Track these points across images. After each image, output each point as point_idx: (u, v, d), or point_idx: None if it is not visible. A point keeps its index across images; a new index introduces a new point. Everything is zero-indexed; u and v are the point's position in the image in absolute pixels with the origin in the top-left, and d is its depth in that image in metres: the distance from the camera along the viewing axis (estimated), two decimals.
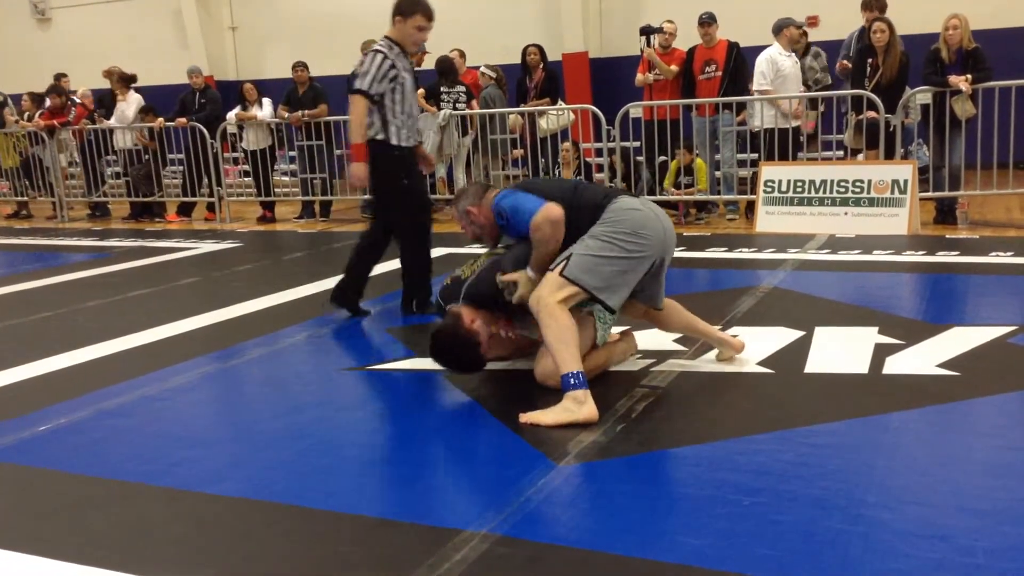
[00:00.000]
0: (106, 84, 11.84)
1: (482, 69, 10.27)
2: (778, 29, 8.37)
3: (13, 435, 3.57)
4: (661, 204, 8.72)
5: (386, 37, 5.16)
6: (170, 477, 3.07)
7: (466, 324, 3.67)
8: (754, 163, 8.41)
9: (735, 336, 4.20)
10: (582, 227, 3.61)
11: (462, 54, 10.43)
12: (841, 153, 8.70)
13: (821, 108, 8.88)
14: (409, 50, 5.17)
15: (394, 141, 5.09)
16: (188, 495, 2.93)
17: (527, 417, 3.37)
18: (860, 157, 8.20)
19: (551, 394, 3.68)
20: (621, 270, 3.56)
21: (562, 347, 3.39)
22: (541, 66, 9.72)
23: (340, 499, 2.83)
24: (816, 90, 8.93)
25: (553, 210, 3.55)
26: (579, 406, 3.33)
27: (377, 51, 5.06)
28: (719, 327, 4.60)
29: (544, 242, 3.58)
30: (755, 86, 8.34)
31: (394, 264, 7.08)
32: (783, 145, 8.17)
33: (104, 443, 3.45)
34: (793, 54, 8.47)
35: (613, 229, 3.57)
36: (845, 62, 8.70)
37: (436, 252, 5.71)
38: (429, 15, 5.16)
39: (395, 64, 5.03)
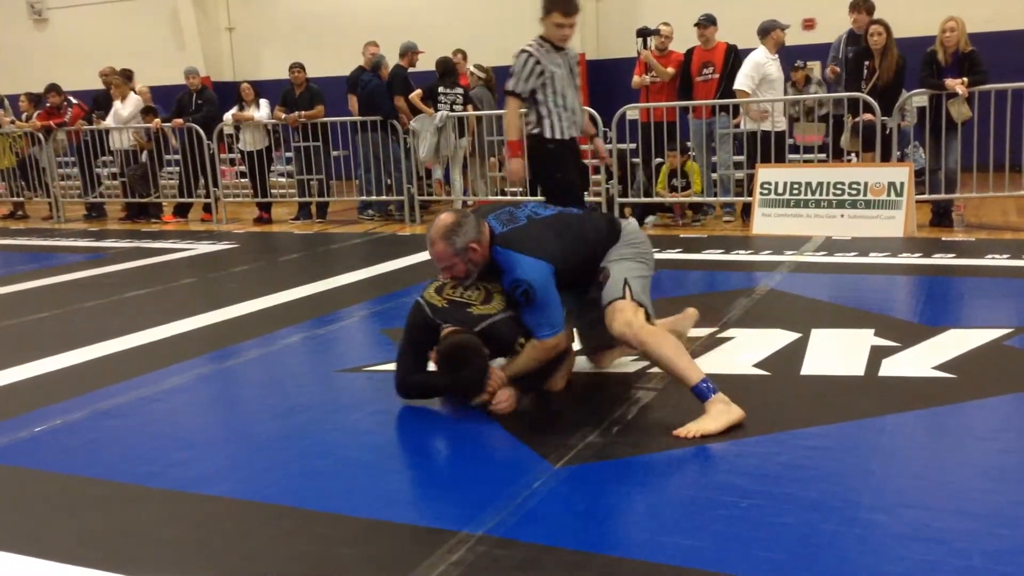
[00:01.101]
0: (102, 85, 11.84)
1: (471, 69, 10.27)
2: (764, 32, 8.34)
3: (8, 436, 3.56)
4: (656, 207, 8.88)
5: (539, 35, 5.30)
6: (166, 478, 3.06)
7: (484, 351, 3.52)
8: (750, 165, 8.41)
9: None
10: (605, 251, 3.66)
11: (461, 52, 10.42)
12: (824, 156, 8.69)
13: (821, 111, 8.88)
14: (557, 45, 5.24)
15: (547, 135, 5.25)
16: (184, 496, 2.92)
17: (692, 431, 3.21)
18: (855, 159, 8.21)
19: (547, 397, 3.68)
20: (649, 286, 3.70)
21: (682, 359, 3.38)
22: None
23: (336, 500, 2.82)
24: (821, 114, 8.94)
25: (561, 342, 3.59)
26: (728, 406, 3.29)
27: (523, 51, 5.25)
28: (715, 329, 4.62)
29: (537, 361, 3.57)
30: (736, 86, 8.29)
31: (392, 265, 7.11)
32: (766, 148, 8.16)
33: (100, 444, 3.44)
34: (778, 58, 8.46)
35: (639, 251, 3.70)
36: (835, 67, 8.71)
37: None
38: (566, 11, 5.20)
39: (540, 60, 5.17)
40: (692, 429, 3.21)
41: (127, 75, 11.49)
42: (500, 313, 3.54)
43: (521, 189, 7.78)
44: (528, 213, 3.67)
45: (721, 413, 3.27)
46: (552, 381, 3.72)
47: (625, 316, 3.44)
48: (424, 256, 6.96)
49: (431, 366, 3.71)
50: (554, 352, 3.57)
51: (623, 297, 3.49)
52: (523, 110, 5.32)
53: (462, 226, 3.47)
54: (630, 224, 3.86)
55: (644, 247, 3.75)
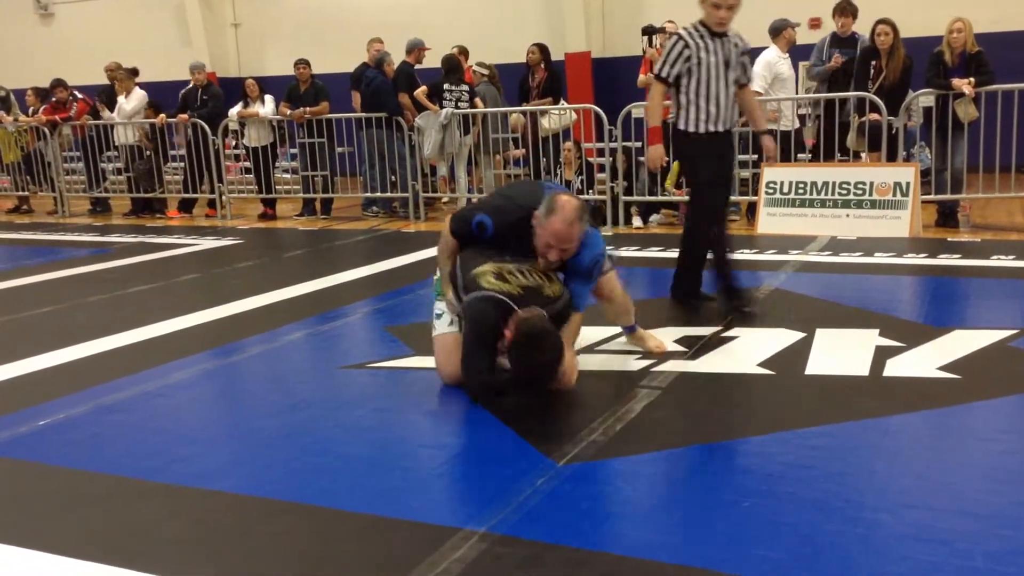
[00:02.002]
0: (107, 80, 11.85)
1: (474, 67, 10.26)
2: (776, 31, 8.33)
3: (11, 430, 3.57)
4: (662, 204, 8.86)
5: (699, 19, 4.97)
6: (169, 473, 3.06)
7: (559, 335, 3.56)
8: (756, 164, 8.40)
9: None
10: None
11: (463, 51, 10.42)
12: (809, 156, 8.66)
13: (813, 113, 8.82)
14: (714, 30, 4.89)
15: (681, 126, 5.01)
16: (187, 491, 2.92)
17: (660, 347, 4.23)
18: (864, 159, 8.19)
19: (550, 395, 3.68)
20: None
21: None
22: (543, 65, 9.71)
23: (339, 497, 2.82)
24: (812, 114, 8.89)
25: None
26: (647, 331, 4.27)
27: (676, 34, 4.99)
28: (720, 327, 4.61)
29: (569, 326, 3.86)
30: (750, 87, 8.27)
31: (396, 262, 7.10)
32: (783, 148, 8.15)
33: (102, 439, 3.44)
34: (788, 56, 8.43)
35: None
36: (839, 57, 8.63)
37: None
38: None
39: (690, 46, 4.86)
40: (656, 346, 4.21)
41: (132, 72, 11.50)
42: (563, 295, 3.74)
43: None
44: (558, 187, 4.05)
45: (652, 335, 4.31)
46: (564, 379, 3.71)
47: (617, 282, 4.16)
48: (428, 253, 6.97)
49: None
50: (579, 321, 3.95)
51: (613, 267, 4.11)
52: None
53: (586, 210, 3.76)
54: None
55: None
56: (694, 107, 4.94)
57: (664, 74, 4.93)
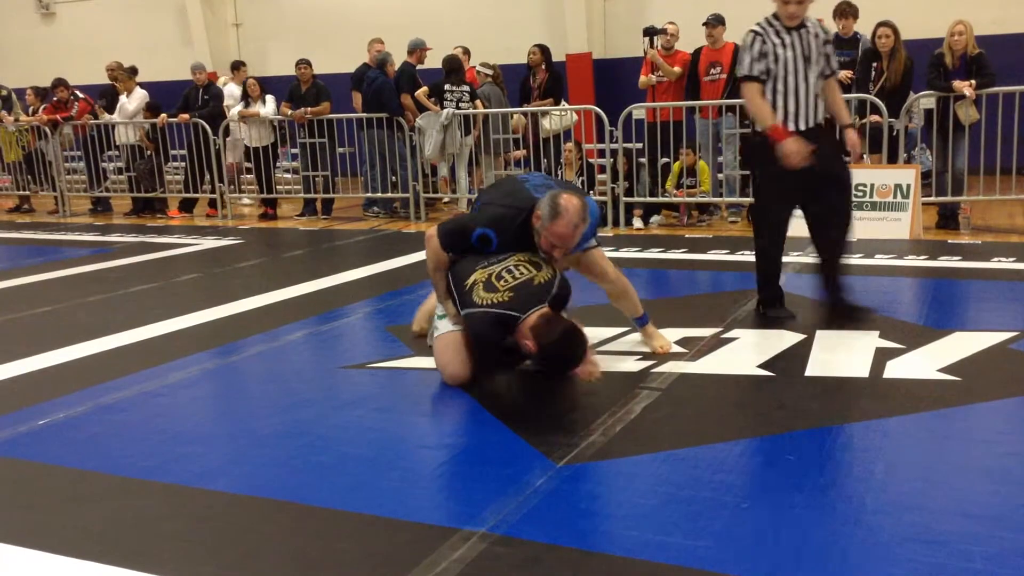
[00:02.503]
0: (108, 80, 11.86)
1: (478, 68, 10.26)
2: None
3: (11, 429, 3.57)
4: (663, 206, 8.86)
5: (773, 13, 4.70)
6: (168, 473, 3.07)
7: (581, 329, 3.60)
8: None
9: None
10: None
11: (466, 51, 10.42)
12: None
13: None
14: (786, 24, 4.62)
15: (759, 127, 4.72)
16: (186, 491, 2.93)
17: (664, 347, 4.25)
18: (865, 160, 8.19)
19: (550, 395, 3.68)
20: None
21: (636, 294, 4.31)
22: (544, 66, 9.72)
23: (338, 496, 2.82)
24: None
25: None
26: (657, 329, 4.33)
27: (751, 30, 4.71)
28: (720, 329, 4.61)
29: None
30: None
31: (397, 262, 7.11)
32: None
33: (102, 438, 3.44)
34: None
35: None
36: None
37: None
38: None
39: (767, 41, 4.61)
40: (660, 346, 4.24)
41: (132, 72, 11.51)
42: (555, 275, 3.74)
43: None
44: (535, 177, 4.17)
45: (660, 334, 4.31)
46: (584, 368, 3.66)
47: (607, 260, 4.26)
48: None
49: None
50: None
51: (597, 245, 4.21)
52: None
53: (587, 207, 3.82)
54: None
55: None
56: (777, 106, 4.65)
57: (755, 72, 4.63)
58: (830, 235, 4.85)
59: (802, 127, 4.65)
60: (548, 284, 3.67)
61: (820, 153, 4.60)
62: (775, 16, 4.67)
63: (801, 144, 4.49)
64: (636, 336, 4.41)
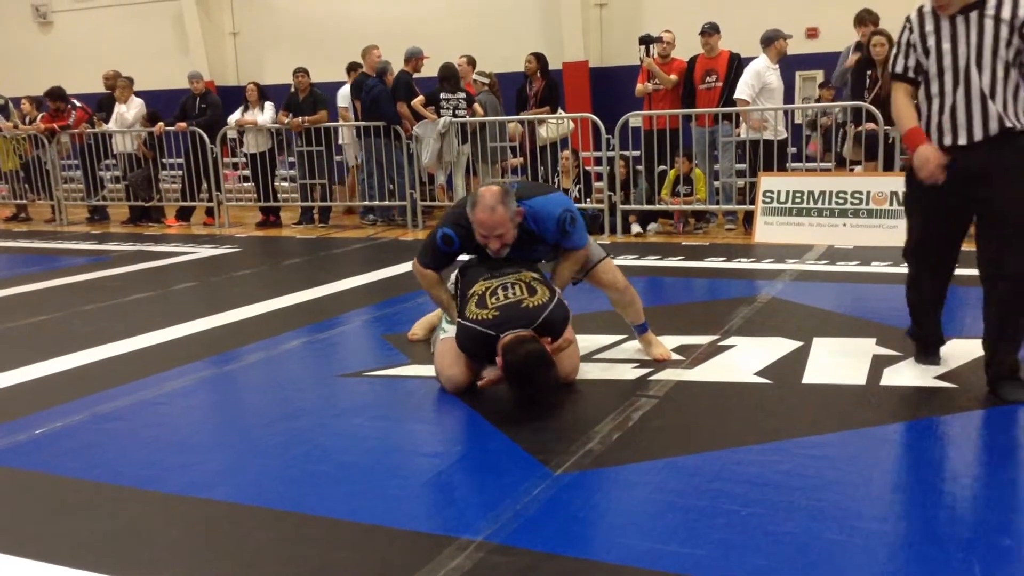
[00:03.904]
0: (105, 88, 11.86)
1: (474, 76, 10.28)
2: (767, 41, 8.36)
3: (8, 438, 3.56)
4: (659, 213, 8.88)
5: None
6: (165, 482, 3.06)
7: (549, 349, 3.59)
8: (753, 173, 8.42)
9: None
10: None
11: (471, 61, 10.43)
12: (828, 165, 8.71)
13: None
14: (938, 12, 3.57)
15: (933, 135, 3.63)
16: (183, 500, 2.92)
17: (663, 355, 4.24)
18: (859, 169, 8.21)
19: (548, 403, 3.68)
20: None
21: (640, 303, 4.31)
22: (540, 74, 9.74)
23: (336, 505, 2.82)
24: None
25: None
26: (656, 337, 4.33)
27: (907, 17, 3.71)
28: (717, 337, 4.62)
29: (581, 262, 4.12)
30: (736, 95, 8.32)
31: (394, 270, 7.11)
32: (768, 157, 8.17)
33: (99, 447, 3.44)
34: (778, 67, 8.47)
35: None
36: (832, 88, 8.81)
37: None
38: None
39: (915, 30, 3.64)
40: (660, 354, 4.23)
41: (130, 80, 11.52)
42: (551, 300, 3.68)
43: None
44: (519, 180, 4.16)
45: (659, 342, 4.30)
46: (562, 369, 3.79)
47: (620, 275, 4.27)
48: None
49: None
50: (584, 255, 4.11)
51: (608, 256, 4.25)
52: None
53: (509, 193, 3.78)
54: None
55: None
56: (921, 110, 3.67)
57: (899, 70, 3.70)
58: (988, 306, 3.63)
59: (956, 142, 3.53)
60: (539, 308, 3.63)
61: (987, 177, 3.48)
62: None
63: (937, 154, 3.52)
64: (634, 344, 4.42)
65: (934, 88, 3.59)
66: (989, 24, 3.45)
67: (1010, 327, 3.56)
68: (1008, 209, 3.44)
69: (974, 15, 3.47)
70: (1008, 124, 3.45)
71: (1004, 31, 3.42)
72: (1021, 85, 3.46)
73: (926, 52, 3.61)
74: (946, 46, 3.54)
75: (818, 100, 10.08)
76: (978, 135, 3.49)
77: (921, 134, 3.59)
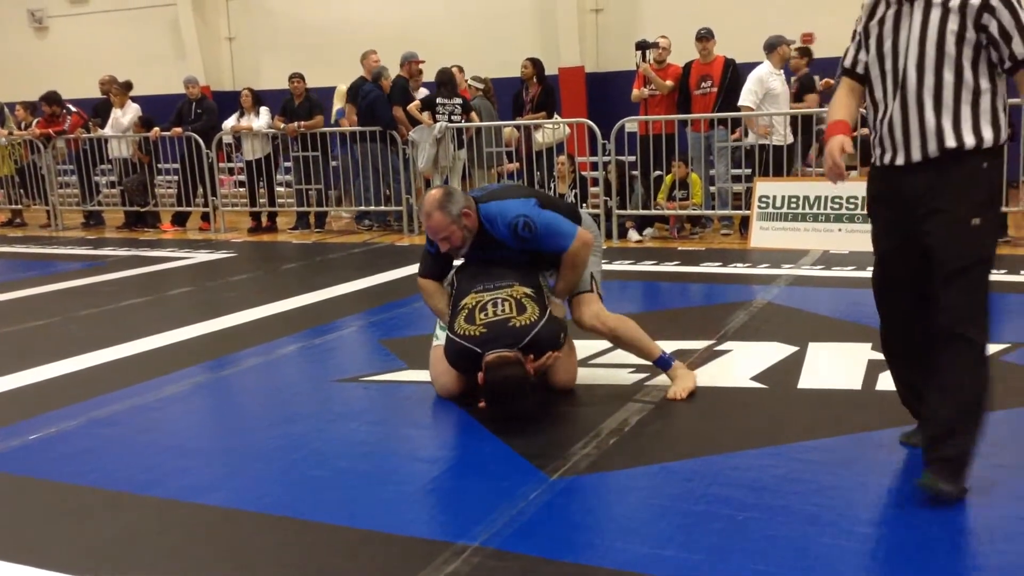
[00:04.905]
0: (101, 94, 11.86)
1: (469, 81, 10.30)
2: (771, 47, 8.39)
3: (3, 444, 3.55)
4: (655, 218, 8.89)
5: None
6: (161, 487, 3.06)
7: (528, 370, 3.56)
8: (748, 179, 8.43)
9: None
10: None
11: (461, 70, 10.45)
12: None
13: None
14: None
15: (874, 151, 2.95)
16: (179, 505, 2.92)
17: (681, 392, 3.77)
18: (854, 174, 8.23)
19: (543, 408, 3.68)
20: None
21: (645, 339, 3.90)
22: (536, 79, 9.75)
23: (332, 511, 2.82)
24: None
25: (586, 236, 3.79)
26: (686, 370, 3.92)
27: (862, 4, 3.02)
28: (713, 341, 4.62)
29: (582, 265, 3.83)
30: (741, 101, 8.34)
31: (390, 275, 7.11)
32: (776, 162, 8.19)
33: (95, 453, 3.43)
34: (783, 73, 8.49)
35: (597, 244, 4.05)
36: (828, 80, 8.76)
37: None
38: None
39: (863, 18, 2.96)
40: (679, 391, 3.78)
41: (126, 86, 11.52)
42: (540, 318, 3.61)
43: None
44: (500, 183, 3.98)
45: (687, 376, 3.87)
46: (554, 374, 3.82)
47: (592, 309, 3.88)
48: None
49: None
50: (587, 250, 3.81)
51: (591, 290, 3.91)
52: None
53: (453, 195, 3.74)
54: (587, 216, 4.14)
55: (599, 239, 4.17)
56: (870, 125, 2.97)
57: (846, 64, 3.02)
58: (932, 390, 2.90)
59: (899, 161, 2.82)
60: (527, 328, 3.56)
61: (927, 207, 2.77)
62: None
63: (840, 147, 2.89)
64: None
65: (877, 92, 2.87)
66: (935, 14, 2.71)
67: (935, 421, 2.80)
68: (939, 248, 2.78)
69: (920, 2, 2.74)
70: (950, 144, 2.71)
71: (953, 22, 2.68)
72: (983, 91, 2.72)
73: (867, 47, 2.90)
74: (887, 42, 2.81)
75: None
76: (916, 155, 2.77)
77: (841, 126, 2.93)
